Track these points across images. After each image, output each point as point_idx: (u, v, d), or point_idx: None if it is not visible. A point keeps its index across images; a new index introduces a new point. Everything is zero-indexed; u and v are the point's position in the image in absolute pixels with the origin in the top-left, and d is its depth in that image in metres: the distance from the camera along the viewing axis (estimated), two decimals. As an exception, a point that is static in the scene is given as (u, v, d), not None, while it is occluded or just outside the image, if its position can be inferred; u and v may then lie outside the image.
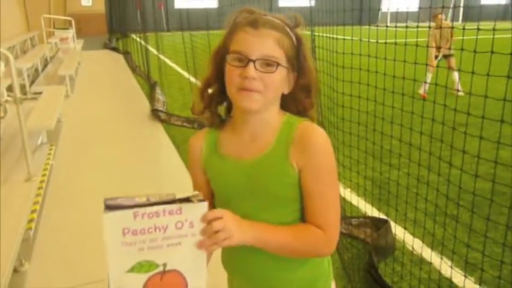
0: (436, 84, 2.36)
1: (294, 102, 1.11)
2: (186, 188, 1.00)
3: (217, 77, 1.08)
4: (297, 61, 1.07)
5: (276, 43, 1.02)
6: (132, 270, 0.90)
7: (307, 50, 1.09)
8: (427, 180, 2.55)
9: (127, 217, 0.86)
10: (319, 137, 1.05)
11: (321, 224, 1.05)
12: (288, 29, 1.06)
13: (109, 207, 0.86)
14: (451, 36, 7.24)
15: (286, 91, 1.08)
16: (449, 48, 6.94)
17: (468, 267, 2.39)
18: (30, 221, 3.15)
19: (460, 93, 6.91)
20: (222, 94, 1.09)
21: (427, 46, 6.36)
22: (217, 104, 1.13)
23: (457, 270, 2.43)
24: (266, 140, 1.07)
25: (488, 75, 1.86)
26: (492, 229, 2.73)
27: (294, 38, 1.06)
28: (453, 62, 7.25)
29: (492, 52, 1.91)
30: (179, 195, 0.90)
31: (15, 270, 2.65)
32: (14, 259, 2.41)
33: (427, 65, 6.76)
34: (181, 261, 0.93)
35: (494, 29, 1.86)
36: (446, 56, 7.31)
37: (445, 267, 2.46)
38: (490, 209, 2.21)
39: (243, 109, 1.05)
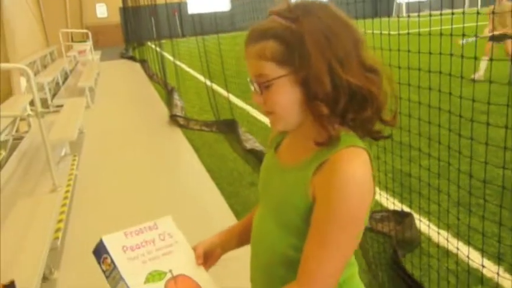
0: (450, 75, 2.31)
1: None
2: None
3: None
4: (301, 52, 0.85)
5: (258, 58, 0.87)
6: (147, 281, 0.99)
7: (314, 34, 0.85)
8: (449, 170, 2.51)
9: (121, 237, 1.03)
10: (347, 173, 0.84)
11: (301, 269, 0.89)
12: (281, 19, 0.87)
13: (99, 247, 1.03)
14: None
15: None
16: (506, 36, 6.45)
17: (493, 255, 2.34)
18: (57, 230, 3.23)
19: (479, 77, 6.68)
20: None
21: (476, 36, 6.12)
22: None
23: (485, 260, 2.38)
24: (306, 154, 0.93)
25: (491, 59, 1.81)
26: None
27: (291, 26, 0.86)
28: (510, 46, 6.81)
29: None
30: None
31: (45, 278, 2.73)
32: (43, 268, 2.48)
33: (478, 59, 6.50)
34: (181, 266, 1.04)
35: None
36: (499, 39, 6.73)
37: (473, 256, 2.42)
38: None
39: None
